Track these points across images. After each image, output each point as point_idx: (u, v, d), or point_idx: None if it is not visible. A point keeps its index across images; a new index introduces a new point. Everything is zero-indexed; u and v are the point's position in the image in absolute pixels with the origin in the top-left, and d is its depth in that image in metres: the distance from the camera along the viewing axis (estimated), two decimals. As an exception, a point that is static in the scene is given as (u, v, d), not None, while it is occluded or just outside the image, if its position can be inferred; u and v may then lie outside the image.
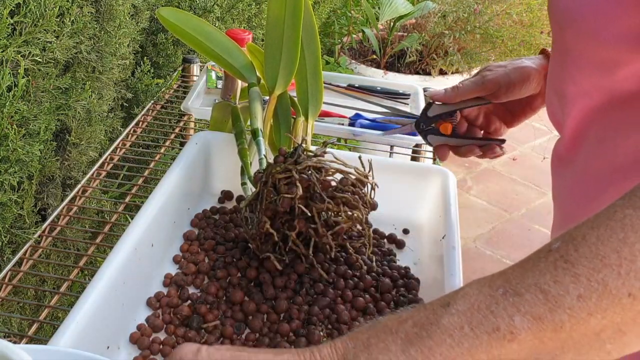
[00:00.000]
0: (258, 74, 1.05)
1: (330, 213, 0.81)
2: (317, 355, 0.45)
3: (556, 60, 0.63)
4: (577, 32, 0.56)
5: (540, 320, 0.39)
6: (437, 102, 0.87)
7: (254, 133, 0.92)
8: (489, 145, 0.88)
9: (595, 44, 0.54)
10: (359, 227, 0.83)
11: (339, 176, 0.81)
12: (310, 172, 0.78)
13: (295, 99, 1.01)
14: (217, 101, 1.31)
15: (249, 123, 0.99)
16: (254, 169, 0.91)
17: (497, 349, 0.40)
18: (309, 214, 0.78)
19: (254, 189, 0.84)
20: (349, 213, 0.79)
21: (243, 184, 0.92)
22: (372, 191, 0.83)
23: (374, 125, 1.25)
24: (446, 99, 0.84)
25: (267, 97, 0.99)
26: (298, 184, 0.77)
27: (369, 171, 0.83)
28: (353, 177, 0.81)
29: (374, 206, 0.85)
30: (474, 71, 2.98)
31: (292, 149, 0.81)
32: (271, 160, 0.84)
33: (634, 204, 0.39)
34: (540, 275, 0.41)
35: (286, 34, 0.94)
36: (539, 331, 0.39)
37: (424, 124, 0.87)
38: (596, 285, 0.38)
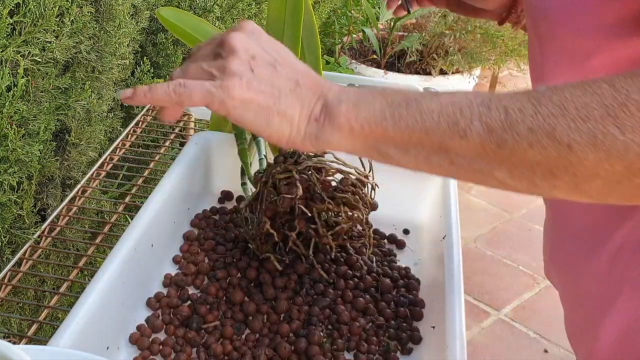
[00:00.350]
0: None
1: (330, 213, 0.80)
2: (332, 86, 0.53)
3: (535, 50, 0.65)
4: (549, 23, 0.59)
5: (491, 132, 0.46)
6: None
7: (254, 134, 0.92)
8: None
9: (566, 34, 0.57)
10: (359, 227, 0.82)
11: (339, 176, 0.81)
12: (310, 172, 0.78)
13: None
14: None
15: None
16: (254, 169, 0.91)
17: (449, 138, 0.48)
18: (309, 214, 0.78)
19: (254, 190, 0.84)
20: (349, 213, 0.79)
21: (243, 184, 0.92)
22: (373, 191, 0.83)
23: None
24: None
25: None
26: (298, 184, 0.76)
27: (369, 171, 0.83)
28: (353, 177, 0.81)
29: (374, 206, 0.85)
30: (475, 71, 2.98)
31: (292, 150, 0.81)
32: (271, 161, 0.84)
33: (613, 83, 0.44)
34: (512, 102, 0.46)
35: (286, 33, 0.94)
36: (485, 140, 0.46)
37: None
38: (546, 126, 0.44)
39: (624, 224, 0.59)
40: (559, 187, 0.46)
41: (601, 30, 0.53)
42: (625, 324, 0.61)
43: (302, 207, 0.77)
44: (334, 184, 0.80)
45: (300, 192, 0.76)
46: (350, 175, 0.81)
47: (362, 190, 0.81)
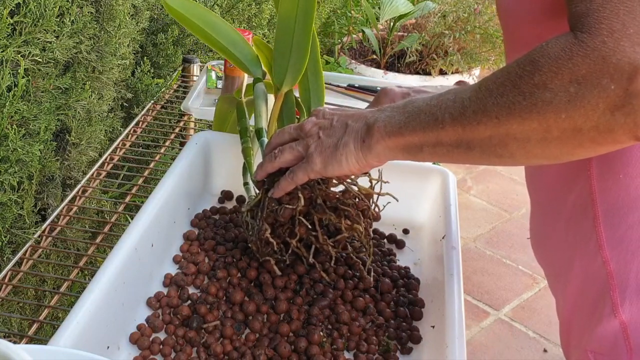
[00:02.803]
0: (264, 68, 1.03)
1: (332, 220, 0.80)
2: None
3: (507, 46, 0.74)
4: (502, 14, 0.69)
5: (454, 120, 0.58)
6: None
7: (258, 133, 0.92)
8: None
9: (513, 23, 0.68)
10: (360, 237, 0.82)
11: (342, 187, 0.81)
12: (312, 183, 0.77)
13: (299, 99, 1.00)
14: (216, 101, 1.31)
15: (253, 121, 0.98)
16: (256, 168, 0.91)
17: (433, 130, 0.60)
18: (309, 226, 0.77)
19: (257, 190, 0.84)
20: (350, 225, 0.79)
21: (245, 184, 0.91)
22: (376, 203, 0.82)
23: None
24: None
25: (271, 95, 0.98)
26: (300, 195, 0.76)
27: (377, 183, 0.82)
28: (356, 189, 0.80)
29: (376, 218, 0.85)
30: (474, 71, 2.98)
31: None
32: None
33: (517, 60, 0.54)
34: (466, 92, 0.58)
35: (297, 31, 0.93)
36: (454, 126, 0.58)
37: None
38: (482, 106, 0.55)
39: (573, 188, 0.66)
40: (516, 154, 0.56)
41: (536, 17, 0.64)
42: (579, 289, 0.67)
43: (303, 219, 0.77)
44: (338, 190, 0.80)
45: (302, 203, 0.76)
46: (353, 187, 0.80)
47: (365, 202, 0.81)
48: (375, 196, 0.82)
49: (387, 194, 0.82)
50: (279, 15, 0.95)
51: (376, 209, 0.83)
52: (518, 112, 0.53)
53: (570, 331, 0.71)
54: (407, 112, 0.63)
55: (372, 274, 0.85)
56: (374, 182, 0.82)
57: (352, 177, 0.80)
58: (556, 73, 0.50)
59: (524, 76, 0.52)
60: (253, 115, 0.96)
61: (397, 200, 0.84)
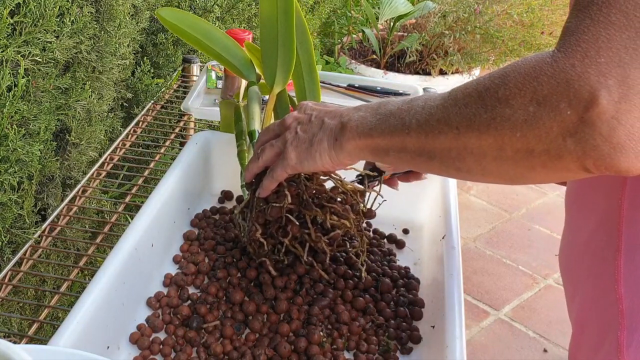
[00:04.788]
0: (258, 71, 1.04)
1: (325, 217, 0.80)
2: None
3: None
4: None
5: (420, 127, 0.57)
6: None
7: (251, 135, 0.92)
8: (406, 174, 0.88)
9: None
10: (355, 233, 0.82)
11: (331, 183, 0.81)
12: (299, 179, 0.77)
13: (294, 99, 1.01)
14: (217, 101, 1.31)
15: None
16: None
17: (399, 135, 0.60)
18: (297, 223, 0.77)
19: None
20: (338, 221, 0.79)
21: (242, 186, 0.92)
22: (369, 201, 0.82)
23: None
24: (391, 169, 0.85)
25: (267, 97, 0.99)
26: (287, 192, 0.76)
27: (374, 181, 0.82)
28: (347, 186, 0.80)
29: (370, 215, 0.85)
30: (474, 71, 2.98)
31: None
32: None
33: (490, 73, 0.53)
34: (434, 100, 0.57)
35: (280, 31, 0.94)
36: (418, 133, 0.58)
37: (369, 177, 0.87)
38: (445, 115, 0.55)
39: (602, 211, 0.63)
40: (472, 170, 0.56)
41: None
42: (588, 318, 0.65)
43: (290, 216, 0.77)
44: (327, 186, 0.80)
45: (288, 200, 0.76)
46: (342, 184, 0.80)
47: (354, 199, 0.80)
48: (367, 193, 0.82)
49: (374, 190, 0.82)
50: (260, 18, 0.96)
51: (372, 207, 0.83)
52: (477, 125, 0.52)
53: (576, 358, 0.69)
54: (379, 114, 0.63)
55: (366, 270, 0.84)
56: (366, 180, 0.82)
57: (337, 173, 0.80)
58: (520, 90, 0.49)
59: (490, 89, 0.51)
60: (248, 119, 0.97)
61: (383, 197, 0.83)
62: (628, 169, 0.47)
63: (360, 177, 0.84)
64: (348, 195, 0.80)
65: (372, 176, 0.83)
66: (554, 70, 0.48)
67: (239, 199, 1.00)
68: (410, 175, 0.88)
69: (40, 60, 1.06)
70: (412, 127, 0.58)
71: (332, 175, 0.79)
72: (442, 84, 2.86)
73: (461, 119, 0.53)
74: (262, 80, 1.04)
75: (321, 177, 0.79)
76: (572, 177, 0.52)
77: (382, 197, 0.83)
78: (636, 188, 0.60)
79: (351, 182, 0.82)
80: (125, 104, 1.53)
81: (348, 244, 0.85)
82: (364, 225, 0.97)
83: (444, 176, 0.68)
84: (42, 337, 0.96)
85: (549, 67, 0.48)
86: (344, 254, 0.88)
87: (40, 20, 1.02)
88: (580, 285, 0.67)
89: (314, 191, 0.79)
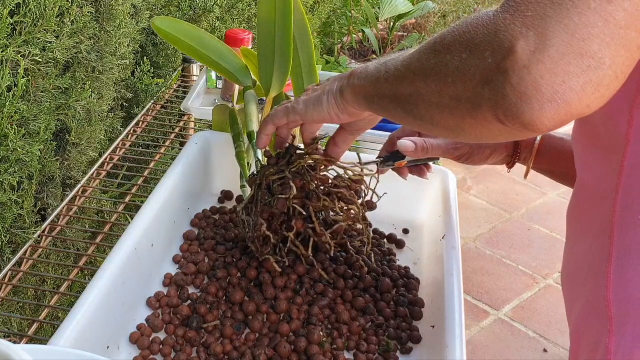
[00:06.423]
0: (253, 76, 1.05)
1: (329, 212, 0.80)
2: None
3: None
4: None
5: (395, 73, 0.59)
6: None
7: (249, 136, 0.92)
8: (418, 167, 0.88)
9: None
10: (358, 225, 0.82)
11: (334, 173, 0.81)
12: (303, 171, 0.78)
13: (293, 99, 1.01)
14: (217, 101, 1.31)
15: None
16: (251, 171, 0.91)
17: (380, 81, 0.62)
18: (304, 213, 0.78)
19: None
20: (346, 208, 0.79)
21: (242, 186, 0.92)
22: (370, 192, 0.83)
23: (374, 125, 1.24)
24: (414, 155, 0.85)
25: (264, 98, 0.99)
26: (292, 184, 0.76)
27: (374, 173, 0.82)
28: (351, 173, 0.81)
29: (372, 206, 0.85)
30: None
31: (284, 149, 0.81)
32: (265, 163, 0.84)
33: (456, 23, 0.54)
34: (413, 54, 0.58)
35: (278, 35, 0.94)
36: (391, 78, 0.60)
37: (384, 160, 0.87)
38: (410, 60, 0.57)
39: (596, 214, 0.63)
40: (425, 117, 0.57)
41: None
42: (582, 325, 0.65)
43: (298, 207, 0.77)
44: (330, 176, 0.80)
45: (294, 191, 0.76)
46: (347, 172, 0.81)
47: (358, 185, 0.81)
48: (369, 184, 0.82)
49: (371, 173, 0.82)
50: (258, 20, 0.96)
51: (374, 198, 0.83)
52: (426, 70, 0.54)
53: None
54: (378, 63, 0.65)
55: (371, 268, 0.85)
56: (367, 176, 0.82)
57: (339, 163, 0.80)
58: (460, 37, 0.51)
59: (445, 37, 0.53)
60: (246, 120, 0.97)
61: (379, 197, 0.83)
62: (532, 120, 0.47)
63: (380, 160, 0.85)
64: (354, 181, 0.80)
65: (389, 159, 0.85)
66: (489, 22, 0.49)
67: (239, 199, 1.00)
68: (414, 169, 0.89)
69: (40, 60, 1.06)
70: (390, 73, 0.61)
71: (337, 164, 0.80)
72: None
73: (418, 65, 0.56)
74: (257, 84, 1.04)
75: (322, 164, 0.79)
76: (497, 136, 0.53)
77: (380, 190, 0.83)
78: (629, 191, 0.59)
79: (367, 163, 0.84)
80: (125, 104, 1.53)
81: (348, 244, 0.85)
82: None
83: (410, 127, 0.73)
84: (42, 337, 0.96)
85: (487, 19, 0.49)
86: (344, 253, 0.88)
87: (40, 20, 1.02)
88: (577, 299, 0.66)
89: (318, 182, 0.79)
